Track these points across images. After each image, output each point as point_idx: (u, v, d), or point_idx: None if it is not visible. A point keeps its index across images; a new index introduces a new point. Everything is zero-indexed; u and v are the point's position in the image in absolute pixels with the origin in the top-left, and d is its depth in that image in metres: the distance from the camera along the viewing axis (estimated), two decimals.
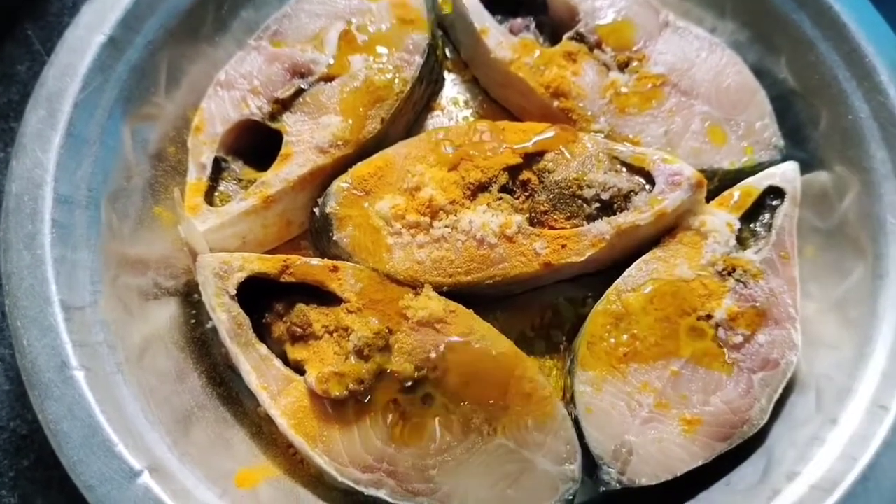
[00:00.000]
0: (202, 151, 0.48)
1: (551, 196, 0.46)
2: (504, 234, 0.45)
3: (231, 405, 0.45)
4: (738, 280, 0.45)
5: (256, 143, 0.49)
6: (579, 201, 0.46)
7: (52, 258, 0.41)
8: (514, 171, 0.47)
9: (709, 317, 0.43)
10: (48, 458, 0.41)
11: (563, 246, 0.45)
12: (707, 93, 0.50)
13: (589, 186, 0.46)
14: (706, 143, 0.49)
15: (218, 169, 0.48)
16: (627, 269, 0.45)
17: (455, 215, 0.45)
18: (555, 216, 0.46)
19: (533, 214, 0.46)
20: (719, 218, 0.46)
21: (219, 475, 0.40)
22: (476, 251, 0.44)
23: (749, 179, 0.48)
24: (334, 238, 0.45)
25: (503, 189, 0.47)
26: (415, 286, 0.44)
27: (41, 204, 0.43)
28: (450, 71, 0.55)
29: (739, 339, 0.43)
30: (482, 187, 0.46)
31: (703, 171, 0.47)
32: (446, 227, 0.45)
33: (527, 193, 0.47)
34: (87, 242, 0.43)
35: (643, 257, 0.45)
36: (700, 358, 0.43)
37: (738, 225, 0.46)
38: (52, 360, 0.39)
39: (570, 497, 0.41)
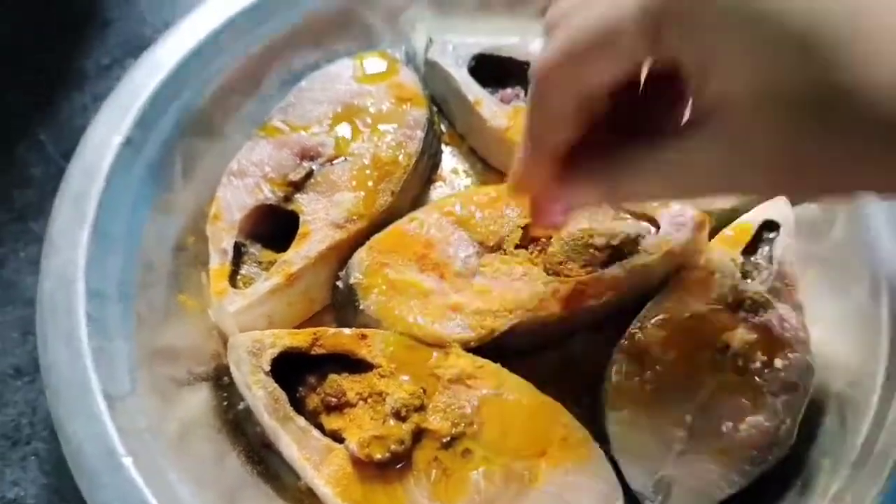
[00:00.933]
0: (222, 238, 0.51)
1: (564, 248, 0.50)
2: (519, 279, 0.48)
3: (272, 482, 0.46)
4: (747, 311, 0.48)
5: (273, 227, 0.52)
6: (591, 250, 0.49)
7: (90, 349, 0.44)
8: (525, 230, 0.51)
9: (726, 347, 0.46)
10: None
11: (583, 291, 0.48)
12: None
13: (599, 235, 0.49)
14: None
15: (238, 254, 0.51)
16: (642, 311, 0.48)
17: (473, 271, 0.48)
18: (569, 266, 0.49)
19: (548, 266, 0.50)
20: (722, 254, 0.50)
21: None
22: (497, 300, 0.47)
23: (744, 217, 0.52)
24: (361, 307, 0.48)
25: (517, 247, 0.50)
26: (443, 346, 0.46)
27: (75, 299, 0.45)
28: (447, 144, 0.59)
29: (758, 365, 0.46)
30: (496, 247, 0.50)
31: (707, 212, 0.51)
32: (464, 280, 0.48)
33: (539, 248, 0.50)
34: (122, 333, 0.46)
35: (655, 298, 0.49)
36: (723, 388, 0.45)
37: (740, 259, 0.50)
38: (99, 447, 0.41)
39: None
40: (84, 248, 0.46)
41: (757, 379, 0.46)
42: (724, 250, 0.50)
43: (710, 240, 0.51)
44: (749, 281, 0.49)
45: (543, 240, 0.50)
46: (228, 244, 0.50)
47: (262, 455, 0.48)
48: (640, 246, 0.49)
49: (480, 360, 0.46)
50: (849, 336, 0.49)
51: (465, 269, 0.49)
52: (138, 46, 0.62)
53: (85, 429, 0.41)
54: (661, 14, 0.31)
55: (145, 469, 0.41)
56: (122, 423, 0.42)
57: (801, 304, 0.49)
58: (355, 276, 0.48)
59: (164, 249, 0.51)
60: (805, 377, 0.47)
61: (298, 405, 0.46)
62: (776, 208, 0.51)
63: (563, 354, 0.51)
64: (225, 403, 0.49)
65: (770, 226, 0.52)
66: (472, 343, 0.47)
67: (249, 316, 0.48)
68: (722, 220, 0.52)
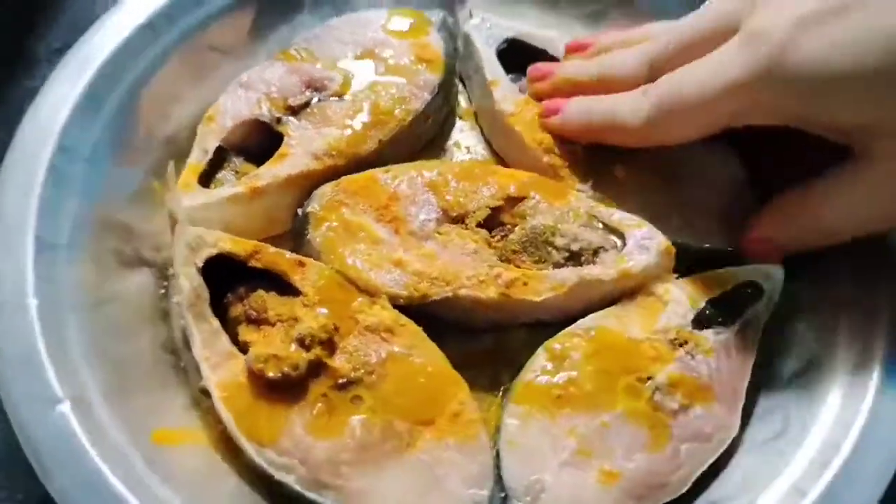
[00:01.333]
0: (208, 138, 0.53)
1: (524, 239, 0.49)
2: (468, 254, 0.48)
3: (175, 374, 0.48)
4: (687, 352, 0.47)
5: (261, 146, 0.54)
6: (549, 248, 0.49)
7: (39, 197, 0.46)
8: (494, 212, 0.51)
9: (649, 378, 0.45)
10: None
11: (525, 283, 0.48)
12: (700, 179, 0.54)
13: (562, 236, 0.49)
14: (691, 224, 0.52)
15: (220, 160, 0.53)
16: (584, 318, 0.48)
17: (427, 235, 0.49)
18: (523, 258, 0.49)
19: (503, 253, 0.50)
20: (684, 291, 0.49)
21: (140, 427, 0.43)
22: (440, 268, 0.47)
23: (732, 269, 0.50)
24: (308, 237, 0.49)
25: (479, 225, 0.50)
26: (372, 294, 0.47)
27: (43, 153, 0.48)
28: (461, 119, 0.60)
29: (675, 405, 0.45)
30: (459, 219, 0.50)
31: (678, 244, 0.50)
32: (416, 240, 0.49)
33: (502, 234, 0.51)
34: (80, 191, 0.48)
35: (601, 311, 0.48)
36: (632, 415, 0.44)
37: (703, 303, 0.49)
38: (10, 282, 0.44)
39: None
40: (70, 105, 0.48)
41: (668, 419, 0.45)
42: (688, 289, 0.49)
43: (685, 275, 0.50)
44: (702, 332, 0.48)
45: (508, 227, 0.50)
46: (212, 146, 0.52)
47: (176, 349, 0.49)
48: (598, 258, 0.49)
49: (404, 319, 0.47)
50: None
51: (420, 230, 0.49)
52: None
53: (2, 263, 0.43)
54: (775, 82, 0.42)
55: (47, 316, 0.43)
56: (43, 272, 0.44)
57: (748, 370, 0.48)
58: (312, 206, 0.49)
59: (156, 134, 0.53)
60: (721, 434, 0.45)
61: (223, 310, 0.48)
62: (767, 275, 0.49)
63: (499, 342, 0.51)
64: (162, 292, 0.51)
65: (753, 288, 0.50)
66: (400, 301, 0.47)
67: (205, 215, 0.50)
68: (701, 259, 0.51)
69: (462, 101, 0.60)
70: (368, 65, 0.56)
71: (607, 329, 0.47)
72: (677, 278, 0.49)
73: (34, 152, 0.47)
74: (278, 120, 0.53)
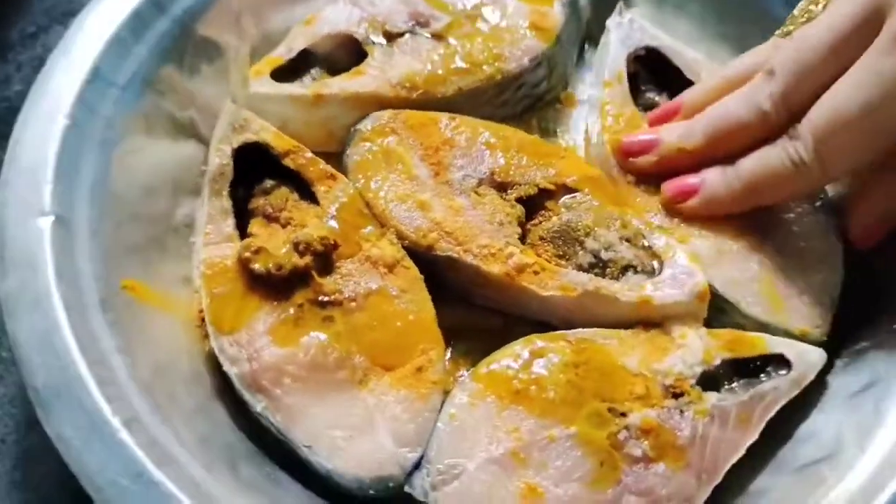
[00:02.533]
0: (298, 39, 0.55)
1: (555, 229, 0.48)
2: (493, 224, 0.47)
3: (183, 247, 0.50)
4: (678, 405, 0.44)
5: (346, 62, 0.55)
6: (577, 247, 0.48)
7: (113, 35, 0.50)
8: (542, 193, 0.50)
9: (622, 415, 0.43)
10: None
11: (536, 273, 0.46)
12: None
13: (594, 239, 0.48)
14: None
15: (303, 63, 0.55)
16: (587, 328, 0.46)
17: (464, 189, 0.49)
18: (546, 247, 0.48)
19: (530, 236, 0.49)
20: (702, 340, 0.46)
21: (118, 270, 0.45)
22: (459, 226, 0.47)
23: (767, 336, 0.47)
24: (346, 152, 0.50)
25: (520, 201, 0.49)
26: (383, 224, 0.48)
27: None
28: (561, 103, 0.59)
29: (637, 453, 0.42)
30: (503, 186, 0.50)
31: (720, 296, 0.47)
32: (450, 190, 0.49)
33: (539, 219, 0.50)
34: (157, 44, 0.51)
35: (603, 328, 0.46)
36: (585, 442, 0.42)
37: (718, 360, 0.46)
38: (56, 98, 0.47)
39: (388, 485, 0.42)
40: None
41: (623, 463, 0.42)
42: (708, 340, 0.46)
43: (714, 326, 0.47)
44: (706, 390, 0.45)
45: (549, 213, 0.49)
46: (298, 46, 0.54)
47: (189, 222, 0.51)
48: (624, 277, 0.47)
49: (409, 262, 0.47)
50: None
51: (460, 182, 0.49)
52: (64, 13, 0.63)
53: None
54: None
55: (71, 139, 0.46)
56: (90, 99, 0.47)
57: (740, 450, 0.44)
58: (364, 124, 0.50)
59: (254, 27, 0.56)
60: (675, 499, 0.42)
61: (244, 198, 0.49)
62: (804, 355, 0.46)
63: (505, 327, 0.49)
64: (203, 168, 0.53)
65: (783, 363, 0.46)
66: (405, 242, 0.47)
67: (265, 107, 0.52)
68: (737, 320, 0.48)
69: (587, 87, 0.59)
70: (480, 14, 0.56)
71: (601, 347, 0.45)
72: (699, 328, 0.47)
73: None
74: (370, 41, 0.54)
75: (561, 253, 0.47)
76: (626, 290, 0.46)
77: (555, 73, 0.57)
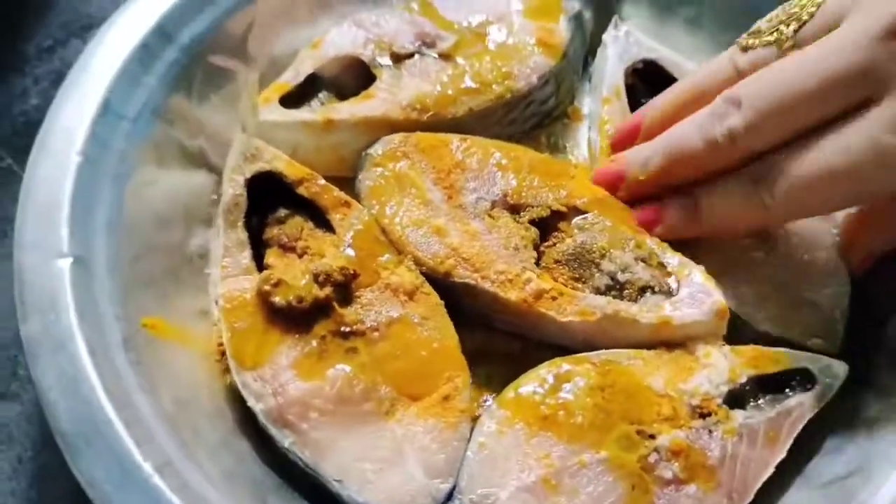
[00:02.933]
0: (305, 63, 0.55)
1: (570, 251, 0.48)
2: (508, 248, 0.47)
3: (199, 278, 0.50)
4: (706, 425, 0.44)
5: (354, 85, 0.55)
6: (593, 269, 0.48)
7: (122, 68, 0.49)
8: (555, 215, 0.50)
9: (651, 437, 0.43)
10: None
11: (554, 298, 0.47)
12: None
13: (610, 261, 0.48)
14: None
15: (310, 92, 0.55)
16: (610, 351, 0.46)
17: (478, 213, 0.49)
18: (562, 270, 0.48)
19: (545, 260, 0.49)
20: (727, 359, 0.46)
21: (138, 308, 0.45)
22: (475, 251, 0.47)
23: (789, 350, 0.48)
24: (358, 177, 0.50)
25: (534, 223, 0.50)
26: (399, 251, 0.48)
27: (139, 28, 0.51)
28: (568, 118, 0.59)
29: (668, 475, 0.42)
30: (516, 208, 0.50)
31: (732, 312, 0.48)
32: (464, 214, 0.49)
33: (554, 241, 0.50)
34: (166, 73, 0.51)
35: (627, 349, 0.46)
36: (616, 467, 0.42)
37: (744, 378, 0.46)
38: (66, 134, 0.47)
39: None
40: None
41: (655, 486, 0.42)
42: (733, 358, 0.46)
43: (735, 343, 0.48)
44: (733, 409, 0.45)
45: (563, 235, 0.49)
46: (305, 70, 0.54)
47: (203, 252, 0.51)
48: (643, 297, 0.47)
49: (428, 288, 0.47)
50: None
51: (473, 206, 0.49)
52: (82, 27, 0.64)
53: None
54: None
55: (86, 174, 0.46)
56: (101, 133, 0.47)
57: (770, 467, 0.44)
58: (375, 149, 0.50)
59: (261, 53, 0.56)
60: None
61: (258, 228, 0.49)
62: (827, 369, 0.47)
63: (525, 352, 0.49)
64: (214, 197, 0.53)
65: (806, 377, 0.47)
66: (422, 269, 0.47)
67: (275, 135, 0.52)
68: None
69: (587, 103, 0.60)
70: (487, 33, 0.56)
71: (626, 369, 0.45)
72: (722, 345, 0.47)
73: (129, 28, 0.50)
74: (377, 63, 0.54)
75: (577, 276, 0.48)
76: (645, 312, 0.46)
77: (562, 88, 0.57)
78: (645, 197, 0.50)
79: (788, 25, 0.45)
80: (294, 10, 0.57)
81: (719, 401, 0.45)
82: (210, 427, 0.44)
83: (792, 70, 0.42)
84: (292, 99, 0.54)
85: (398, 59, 0.54)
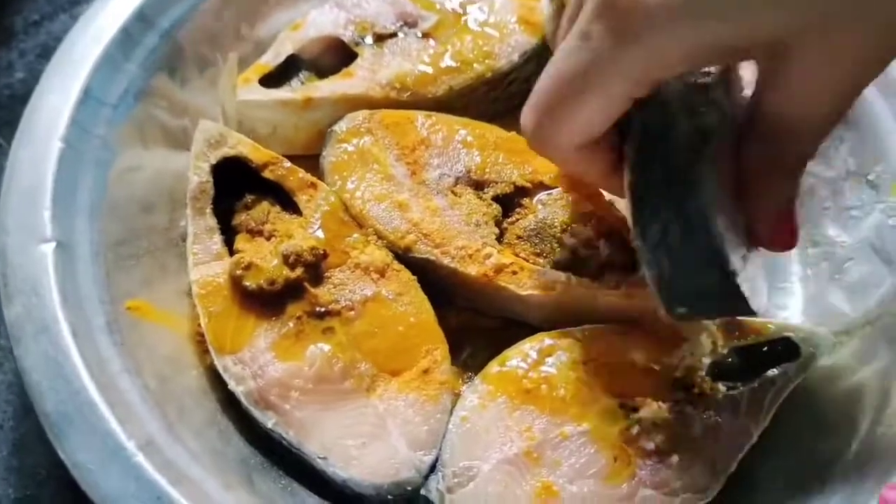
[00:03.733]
0: (285, 44, 0.55)
1: (531, 227, 0.49)
2: (469, 224, 0.48)
3: (180, 261, 0.50)
4: (689, 397, 0.45)
5: (334, 65, 0.55)
6: (554, 244, 0.48)
7: (103, 53, 0.50)
8: (518, 191, 0.51)
9: (633, 410, 0.44)
10: None
11: (514, 273, 0.47)
12: None
13: (572, 235, 0.48)
14: None
15: (290, 69, 0.55)
16: (591, 324, 0.47)
17: (440, 189, 0.50)
18: (523, 246, 0.49)
19: (508, 236, 0.49)
20: (707, 330, 0.47)
21: (122, 291, 0.45)
22: (437, 227, 0.48)
23: (771, 321, 0.48)
24: (322, 154, 0.51)
25: (497, 199, 0.50)
26: (361, 226, 0.49)
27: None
28: None
29: (651, 447, 0.43)
30: (480, 185, 0.50)
31: None
32: (427, 191, 0.49)
33: (517, 216, 0.50)
34: (146, 58, 0.51)
35: (611, 325, 0.47)
36: (598, 438, 0.43)
37: (726, 349, 0.47)
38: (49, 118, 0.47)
39: (406, 489, 0.42)
40: None
41: (637, 457, 0.43)
42: (714, 330, 0.47)
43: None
44: (718, 382, 0.46)
45: (525, 211, 0.49)
46: (286, 51, 0.55)
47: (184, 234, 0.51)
48: (605, 274, 0.47)
49: (398, 265, 0.48)
50: None
51: (436, 182, 0.50)
52: (69, 2, 0.64)
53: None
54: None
55: (67, 162, 0.46)
56: (83, 120, 0.48)
57: (753, 437, 0.45)
58: (339, 125, 0.51)
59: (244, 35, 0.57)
60: (689, 496, 0.43)
61: (226, 214, 0.50)
62: (811, 338, 0.47)
63: (506, 328, 0.50)
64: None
65: (789, 346, 0.47)
66: (383, 243, 0.48)
67: (255, 114, 0.53)
68: None
69: None
70: (467, 12, 0.56)
71: (609, 343, 0.46)
72: None
73: (110, 14, 0.51)
74: (356, 43, 0.54)
75: (538, 251, 0.48)
76: (606, 288, 0.47)
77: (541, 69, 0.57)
78: None
79: None
80: None
81: (702, 373, 0.46)
82: (195, 406, 0.45)
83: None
84: (272, 79, 0.55)
85: (379, 38, 0.55)
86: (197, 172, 0.48)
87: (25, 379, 0.40)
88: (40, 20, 0.63)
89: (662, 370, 0.45)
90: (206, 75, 0.54)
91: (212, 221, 0.48)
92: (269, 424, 0.43)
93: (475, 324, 0.50)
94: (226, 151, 0.49)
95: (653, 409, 0.44)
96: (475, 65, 0.54)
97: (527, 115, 0.40)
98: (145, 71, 0.51)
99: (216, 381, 0.46)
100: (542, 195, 0.50)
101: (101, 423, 0.40)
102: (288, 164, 0.49)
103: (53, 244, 0.44)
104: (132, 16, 0.51)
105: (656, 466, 0.43)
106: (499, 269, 0.47)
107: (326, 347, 0.45)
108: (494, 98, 0.56)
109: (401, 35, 0.55)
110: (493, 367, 0.45)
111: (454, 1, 0.57)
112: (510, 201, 0.50)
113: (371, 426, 0.44)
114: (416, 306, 0.46)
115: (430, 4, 0.56)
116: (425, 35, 0.55)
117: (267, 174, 0.49)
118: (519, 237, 0.48)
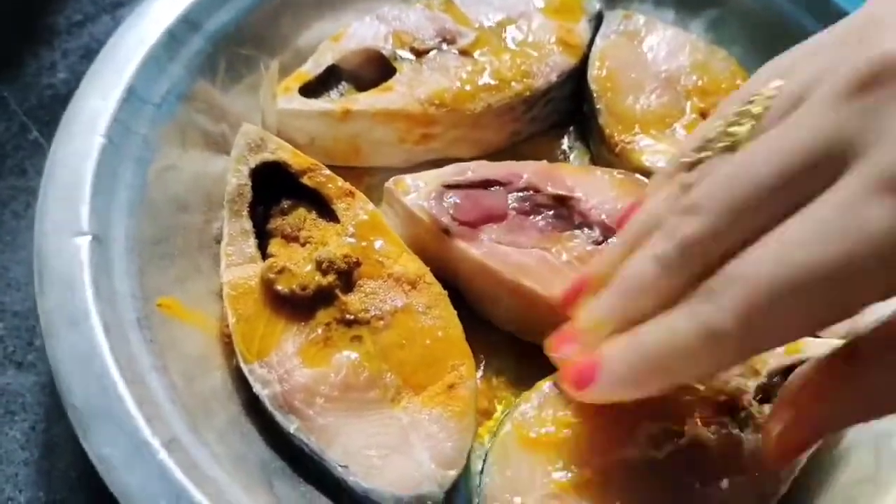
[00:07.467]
0: (326, 54, 0.56)
1: None
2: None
3: (214, 262, 0.50)
4: (735, 420, 0.44)
5: (374, 78, 0.56)
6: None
7: (147, 55, 0.50)
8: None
9: (680, 434, 0.43)
10: None
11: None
12: None
13: None
14: None
15: (330, 78, 0.56)
16: None
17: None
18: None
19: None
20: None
21: (154, 288, 0.45)
22: None
23: (807, 339, 0.47)
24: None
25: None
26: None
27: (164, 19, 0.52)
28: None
29: (698, 471, 0.42)
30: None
31: None
32: None
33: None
34: (190, 61, 0.52)
35: None
36: (638, 468, 0.42)
37: (771, 371, 0.46)
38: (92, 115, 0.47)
39: (427, 503, 0.42)
40: None
41: (686, 483, 0.42)
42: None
43: None
44: (765, 405, 0.45)
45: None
46: (326, 61, 0.55)
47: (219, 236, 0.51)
48: None
49: (431, 278, 0.48)
50: None
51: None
52: (112, 3, 0.65)
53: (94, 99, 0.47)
54: None
55: (108, 155, 0.46)
56: (125, 118, 0.48)
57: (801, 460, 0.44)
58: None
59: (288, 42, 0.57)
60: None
61: (263, 218, 0.50)
62: None
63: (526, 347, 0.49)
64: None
65: None
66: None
67: (294, 124, 0.53)
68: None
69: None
70: (506, 31, 0.56)
71: None
72: None
73: (155, 17, 0.51)
74: (397, 57, 0.54)
75: None
76: None
77: (578, 90, 0.57)
78: None
79: (742, 125, 0.35)
80: (319, 3, 0.58)
81: (749, 395, 0.45)
82: (219, 408, 0.45)
83: (750, 156, 0.33)
84: (312, 89, 0.55)
85: (418, 53, 0.55)
86: (236, 175, 0.49)
87: (55, 372, 0.40)
88: (83, 21, 0.64)
89: (708, 393, 0.44)
90: (245, 82, 0.55)
91: (247, 224, 0.48)
92: (292, 429, 0.43)
93: (503, 341, 0.50)
94: (266, 156, 0.49)
95: (699, 431, 0.43)
96: (513, 83, 0.54)
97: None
98: (189, 74, 0.51)
99: (241, 383, 0.45)
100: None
101: (127, 418, 0.39)
102: (327, 171, 0.50)
103: (89, 237, 0.44)
104: (178, 19, 0.52)
105: (704, 491, 0.42)
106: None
107: (354, 355, 0.45)
108: (532, 118, 0.56)
109: (439, 51, 0.55)
110: (523, 403, 0.44)
111: (492, 19, 0.57)
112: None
113: (394, 438, 0.43)
114: (445, 320, 0.46)
115: (468, 21, 0.57)
116: (463, 52, 0.55)
117: (305, 180, 0.49)
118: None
